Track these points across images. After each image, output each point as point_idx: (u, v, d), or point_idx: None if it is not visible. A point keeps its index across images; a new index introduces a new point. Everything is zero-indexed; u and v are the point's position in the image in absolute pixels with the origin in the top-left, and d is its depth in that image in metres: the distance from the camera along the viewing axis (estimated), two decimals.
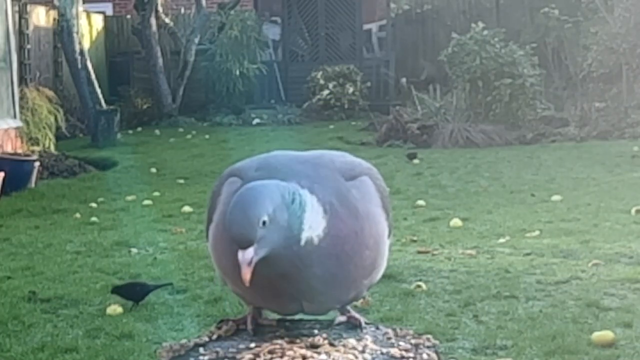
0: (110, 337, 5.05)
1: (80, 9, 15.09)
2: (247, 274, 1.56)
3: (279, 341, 1.72)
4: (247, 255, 1.57)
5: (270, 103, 18.47)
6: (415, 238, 7.29)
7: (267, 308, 1.81)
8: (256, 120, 17.12)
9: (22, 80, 13.28)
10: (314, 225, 1.63)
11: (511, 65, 13.92)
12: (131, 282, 5.97)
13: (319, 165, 1.74)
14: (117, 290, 5.68)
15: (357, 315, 1.83)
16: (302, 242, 1.62)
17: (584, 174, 10.37)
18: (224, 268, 1.75)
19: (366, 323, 1.82)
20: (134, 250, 7.29)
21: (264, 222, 1.57)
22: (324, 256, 1.65)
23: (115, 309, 5.53)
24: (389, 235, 1.80)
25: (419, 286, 5.79)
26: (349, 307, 1.83)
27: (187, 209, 8.95)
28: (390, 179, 10.12)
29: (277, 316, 1.85)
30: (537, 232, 7.33)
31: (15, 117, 11.71)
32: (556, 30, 16.48)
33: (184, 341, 1.79)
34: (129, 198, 9.76)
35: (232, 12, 18.12)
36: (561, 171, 10.65)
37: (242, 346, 1.74)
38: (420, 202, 8.94)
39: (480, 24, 14.40)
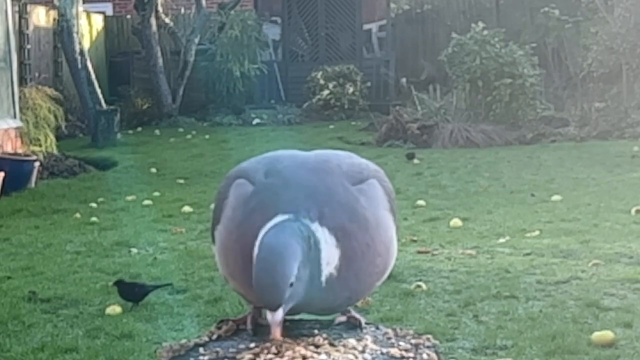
0: (110, 337, 5.05)
1: (80, 9, 15.09)
2: (277, 332, 1.60)
3: (279, 341, 1.72)
4: (277, 317, 1.59)
5: (270, 103, 18.47)
6: (415, 238, 7.29)
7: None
8: (256, 120, 17.12)
9: (22, 80, 13.28)
10: (330, 260, 1.64)
11: (511, 65, 13.92)
12: (132, 282, 5.97)
13: (325, 172, 1.72)
14: (119, 285, 5.67)
15: (357, 315, 1.83)
16: (324, 284, 1.64)
17: (584, 174, 10.37)
18: (232, 272, 1.74)
19: (366, 323, 1.82)
20: (134, 250, 7.29)
21: (291, 284, 1.59)
22: (342, 280, 1.66)
23: (115, 309, 5.53)
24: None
25: (419, 286, 5.79)
26: (349, 307, 1.83)
27: (187, 209, 8.95)
28: (390, 179, 9.98)
29: None
30: (537, 232, 7.33)
31: (15, 117, 11.70)
32: (556, 30, 16.49)
33: (183, 341, 1.79)
34: (129, 198, 9.76)
35: (232, 12, 18.12)
36: (561, 171, 10.65)
37: (242, 346, 1.74)
38: (420, 202, 8.94)
39: (480, 24, 14.40)
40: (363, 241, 1.68)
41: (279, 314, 1.59)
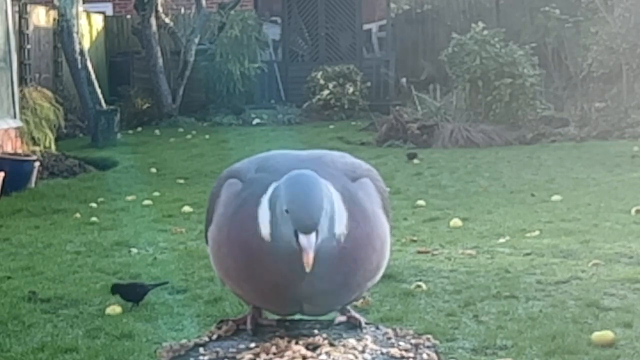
0: (110, 337, 5.05)
1: (80, 9, 15.09)
2: (310, 257, 1.55)
3: (279, 341, 1.72)
4: (312, 240, 1.55)
5: (270, 103, 18.47)
6: (415, 238, 7.29)
7: (266, 309, 1.81)
8: (256, 120, 17.12)
9: (22, 80, 13.27)
10: (341, 216, 1.62)
11: (511, 65, 13.92)
12: (131, 282, 5.97)
13: (322, 164, 1.72)
14: (117, 289, 5.68)
15: (357, 315, 1.83)
16: (336, 238, 1.61)
17: (584, 174, 10.37)
18: (227, 270, 1.74)
19: (366, 323, 1.82)
20: (134, 250, 7.29)
21: (325, 210, 1.57)
22: (342, 258, 1.63)
23: (115, 309, 5.53)
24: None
25: (419, 286, 5.79)
26: (348, 307, 1.83)
27: (187, 209, 8.95)
28: (390, 179, 10.13)
29: (277, 316, 1.85)
30: (537, 232, 7.33)
31: (15, 117, 11.70)
32: (556, 30, 16.49)
33: (184, 341, 1.79)
34: (129, 198, 9.76)
35: (232, 12, 18.12)
36: (561, 171, 10.65)
37: (242, 346, 1.74)
38: (420, 202, 8.94)
39: (480, 24, 14.40)
40: (363, 228, 1.67)
41: (313, 238, 1.56)
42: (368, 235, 1.67)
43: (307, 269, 1.55)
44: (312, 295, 1.69)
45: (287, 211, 1.57)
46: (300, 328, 1.81)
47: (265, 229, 1.62)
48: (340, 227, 1.62)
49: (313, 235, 1.56)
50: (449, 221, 7.90)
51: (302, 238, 1.56)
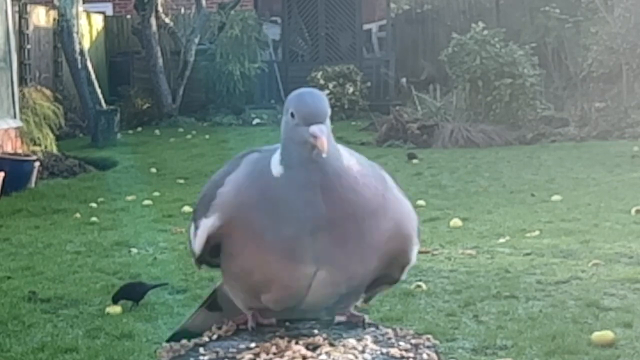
0: (110, 337, 5.05)
1: (80, 9, 15.09)
2: (324, 143, 1.66)
3: (279, 341, 1.72)
4: (322, 128, 1.67)
5: (270, 103, 18.46)
6: None
7: (275, 291, 1.80)
8: (256, 120, 17.12)
9: (22, 80, 13.27)
10: (349, 158, 1.74)
11: (511, 65, 13.91)
12: (130, 282, 5.96)
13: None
14: (117, 295, 5.63)
15: (358, 313, 1.84)
16: (344, 161, 1.72)
17: (584, 174, 10.36)
18: (245, 232, 1.75)
19: (367, 323, 1.82)
20: (134, 250, 7.29)
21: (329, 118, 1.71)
22: (352, 186, 1.71)
23: (115, 309, 5.53)
24: None
25: (419, 286, 5.78)
26: (349, 307, 1.84)
27: (187, 209, 8.94)
28: None
29: (276, 318, 1.85)
30: (537, 232, 7.33)
31: (15, 117, 11.70)
32: (556, 30, 16.49)
33: (184, 341, 1.80)
34: (129, 198, 9.75)
35: (232, 11, 18.11)
36: (561, 171, 10.64)
37: (242, 346, 1.74)
38: (420, 202, 8.93)
39: (480, 24, 14.40)
40: (380, 189, 1.78)
41: (323, 127, 1.67)
42: (383, 196, 1.76)
43: (324, 154, 1.66)
44: (327, 251, 1.71)
45: (292, 114, 1.69)
46: (300, 328, 1.81)
47: (276, 169, 1.70)
48: (347, 158, 1.73)
49: (322, 125, 1.67)
50: (449, 221, 7.90)
51: (312, 127, 1.66)
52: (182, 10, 19.33)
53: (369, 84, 17.92)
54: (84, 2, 16.07)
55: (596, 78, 14.65)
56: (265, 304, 1.81)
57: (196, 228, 1.83)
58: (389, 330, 1.81)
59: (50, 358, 4.79)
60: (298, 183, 1.69)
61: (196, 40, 17.87)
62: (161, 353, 1.77)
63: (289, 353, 1.67)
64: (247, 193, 1.74)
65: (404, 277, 1.91)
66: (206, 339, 1.79)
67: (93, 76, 14.71)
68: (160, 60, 17.69)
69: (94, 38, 18.42)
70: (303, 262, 1.73)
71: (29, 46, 14.73)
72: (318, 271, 1.73)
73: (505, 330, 4.91)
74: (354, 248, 1.74)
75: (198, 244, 1.83)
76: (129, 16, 19.39)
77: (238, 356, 1.69)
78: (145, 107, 17.56)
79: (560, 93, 15.82)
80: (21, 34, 14.45)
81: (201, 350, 1.74)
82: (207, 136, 15.43)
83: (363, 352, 1.69)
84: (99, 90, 14.76)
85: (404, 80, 18.43)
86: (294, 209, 1.69)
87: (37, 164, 10.86)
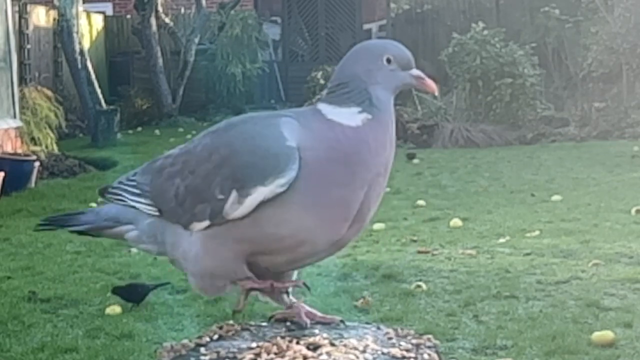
0: (110, 337, 5.05)
1: (80, 9, 15.09)
2: (433, 84, 1.88)
3: (280, 341, 1.72)
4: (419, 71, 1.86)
5: (270, 103, 18.46)
6: (415, 238, 7.29)
7: (293, 254, 1.78)
8: None
9: (22, 80, 13.27)
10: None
11: (511, 65, 13.91)
12: (132, 282, 5.97)
13: None
14: (117, 291, 5.67)
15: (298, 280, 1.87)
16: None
17: (584, 174, 10.36)
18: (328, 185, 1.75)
19: (366, 323, 1.82)
20: (134, 250, 7.28)
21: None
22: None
23: (115, 309, 5.53)
24: None
25: (419, 286, 5.78)
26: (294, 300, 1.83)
27: None
28: (390, 178, 10.05)
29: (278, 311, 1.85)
30: (537, 232, 7.33)
31: (15, 117, 11.70)
32: (556, 30, 16.48)
33: (185, 341, 1.80)
34: None
35: (232, 11, 18.12)
36: (561, 171, 10.64)
37: (243, 346, 1.74)
38: (420, 202, 8.93)
39: (481, 24, 14.40)
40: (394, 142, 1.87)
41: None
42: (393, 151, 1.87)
43: (436, 93, 1.94)
44: (365, 207, 1.77)
45: (389, 60, 1.83)
46: (301, 328, 1.81)
47: (354, 120, 1.77)
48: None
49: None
50: (449, 221, 7.90)
51: (415, 70, 1.86)
52: (182, 10, 19.34)
53: None
54: (84, 2, 16.07)
55: (596, 78, 14.65)
56: (264, 266, 1.79)
57: (245, 195, 1.74)
58: (390, 330, 1.82)
59: (50, 358, 4.79)
60: (384, 126, 1.78)
61: (196, 40, 17.88)
62: (162, 353, 1.77)
63: (290, 353, 1.67)
64: (322, 146, 1.74)
65: None
66: (207, 339, 1.79)
67: (93, 76, 14.71)
68: (160, 60, 17.70)
69: (94, 38, 18.42)
70: (348, 219, 1.75)
71: (29, 46, 14.74)
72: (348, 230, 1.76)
73: (505, 330, 4.91)
74: (378, 204, 1.83)
75: (242, 211, 1.75)
76: (129, 16, 19.39)
77: (239, 356, 1.69)
78: (145, 107, 17.56)
79: (560, 93, 15.83)
80: (21, 34, 14.45)
81: (202, 350, 1.74)
82: None
83: (364, 352, 1.69)
84: (99, 90, 14.76)
85: None
86: (369, 156, 1.76)
87: (37, 164, 10.86)
